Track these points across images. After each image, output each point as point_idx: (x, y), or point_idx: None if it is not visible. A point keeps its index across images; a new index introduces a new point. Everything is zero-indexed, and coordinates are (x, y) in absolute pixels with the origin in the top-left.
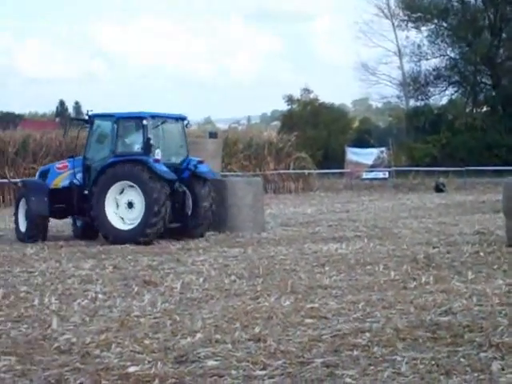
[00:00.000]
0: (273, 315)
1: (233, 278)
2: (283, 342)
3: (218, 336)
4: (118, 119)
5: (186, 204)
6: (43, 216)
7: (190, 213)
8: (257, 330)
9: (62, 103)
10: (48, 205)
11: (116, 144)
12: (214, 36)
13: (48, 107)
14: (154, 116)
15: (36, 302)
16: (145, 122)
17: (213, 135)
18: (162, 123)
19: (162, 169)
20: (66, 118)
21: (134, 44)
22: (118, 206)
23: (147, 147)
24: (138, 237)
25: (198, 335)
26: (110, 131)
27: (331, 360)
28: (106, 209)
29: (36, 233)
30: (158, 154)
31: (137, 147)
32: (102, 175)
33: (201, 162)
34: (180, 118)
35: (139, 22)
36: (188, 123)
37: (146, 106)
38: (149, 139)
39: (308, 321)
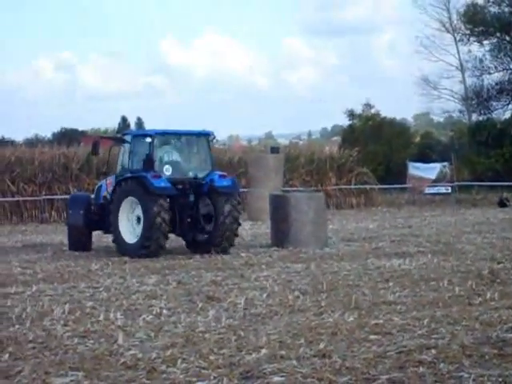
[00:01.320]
0: (337, 331)
1: (296, 293)
2: (348, 358)
3: (282, 352)
4: (133, 137)
5: (200, 219)
6: (79, 227)
7: (208, 227)
8: (321, 345)
9: (124, 119)
10: (83, 217)
11: (131, 161)
12: (276, 50)
13: (110, 123)
14: (164, 133)
15: (101, 317)
16: (148, 139)
17: (275, 150)
18: (178, 140)
19: (159, 184)
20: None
21: (197, 58)
22: (129, 220)
23: (148, 163)
24: (139, 250)
25: (263, 351)
26: (129, 149)
27: (397, 376)
28: (120, 223)
29: (76, 244)
30: (167, 169)
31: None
32: (115, 191)
33: (223, 176)
34: (202, 134)
35: (202, 36)
36: (214, 138)
37: (206, 121)
38: (150, 156)
39: (373, 337)
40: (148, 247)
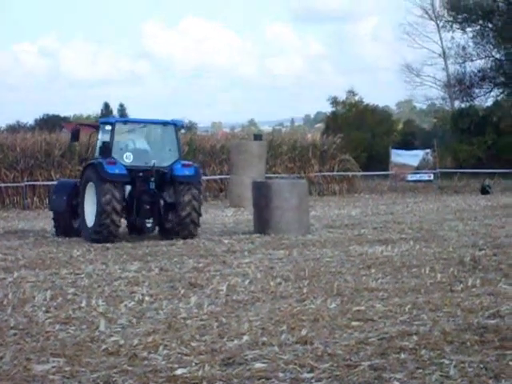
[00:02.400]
0: (319, 318)
1: (278, 280)
2: (330, 344)
3: (264, 338)
4: (99, 125)
5: (161, 207)
6: (61, 213)
7: (170, 216)
8: (303, 332)
9: (106, 105)
10: (65, 203)
11: (97, 148)
12: (259, 37)
13: (92, 109)
14: (126, 121)
15: (83, 303)
16: (108, 127)
17: (258, 137)
18: (142, 128)
19: (112, 171)
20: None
21: (180, 45)
22: (93, 205)
23: (103, 151)
24: (92, 235)
25: (245, 337)
26: (99, 135)
27: (378, 363)
28: (84, 208)
29: (60, 229)
30: (127, 157)
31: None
32: (82, 177)
33: (187, 166)
34: (168, 123)
35: (186, 23)
36: (182, 127)
37: (189, 108)
38: (108, 143)
39: (355, 323)
40: (99, 233)
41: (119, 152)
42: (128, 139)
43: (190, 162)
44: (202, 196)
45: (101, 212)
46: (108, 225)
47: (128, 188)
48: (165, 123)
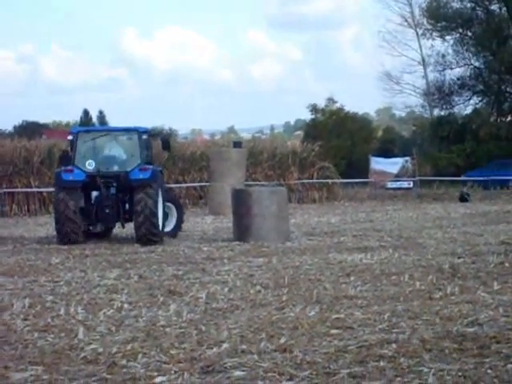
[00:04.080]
0: (298, 325)
1: (258, 288)
2: (309, 352)
3: (243, 346)
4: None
5: (120, 211)
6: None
7: (125, 218)
8: (283, 340)
9: (86, 112)
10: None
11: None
12: (239, 43)
13: (72, 116)
14: (88, 131)
15: (62, 311)
16: (69, 137)
17: (237, 145)
18: (104, 136)
19: (67, 178)
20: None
21: (159, 51)
22: None
23: (62, 159)
24: (57, 240)
25: (224, 345)
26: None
27: (357, 371)
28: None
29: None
30: (89, 164)
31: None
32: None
33: (144, 169)
34: (130, 130)
35: (165, 28)
36: (145, 133)
37: (168, 115)
38: (67, 151)
39: (334, 331)
40: (58, 237)
41: (82, 160)
42: (91, 147)
43: (148, 166)
44: (173, 201)
45: (56, 219)
46: (64, 231)
47: (94, 194)
48: (127, 130)
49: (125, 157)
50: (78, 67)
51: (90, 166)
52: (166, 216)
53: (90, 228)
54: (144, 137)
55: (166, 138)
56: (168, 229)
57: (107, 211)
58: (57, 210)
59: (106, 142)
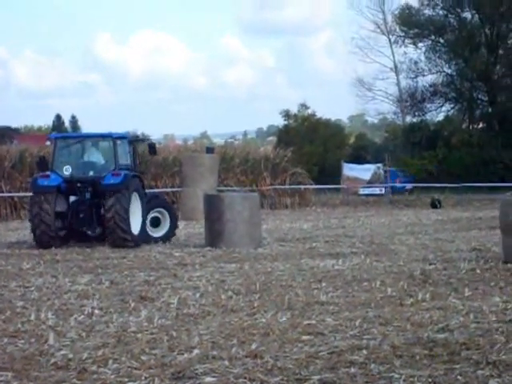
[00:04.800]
0: (270, 331)
1: (229, 293)
2: (280, 358)
3: (214, 352)
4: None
5: (93, 215)
6: None
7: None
8: (254, 346)
9: (58, 117)
10: None
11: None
12: (213, 49)
13: (44, 121)
14: (65, 137)
15: (32, 317)
16: (47, 142)
17: (210, 150)
18: (81, 142)
19: (42, 183)
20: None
21: (133, 56)
22: None
23: (40, 164)
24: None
25: (195, 351)
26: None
27: (328, 377)
28: None
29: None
30: (66, 170)
31: None
32: None
33: (115, 175)
34: (105, 136)
35: (138, 35)
36: (120, 140)
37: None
38: (44, 157)
39: (305, 337)
40: (36, 241)
41: (60, 165)
42: (68, 153)
43: (121, 171)
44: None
45: (31, 222)
46: (38, 233)
47: (72, 199)
48: (102, 136)
49: (100, 162)
50: (51, 72)
51: (67, 171)
52: (157, 221)
53: (89, 232)
54: (119, 142)
55: (153, 144)
56: (161, 233)
57: (81, 216)
58: (32, 213)
59: (82, 148)
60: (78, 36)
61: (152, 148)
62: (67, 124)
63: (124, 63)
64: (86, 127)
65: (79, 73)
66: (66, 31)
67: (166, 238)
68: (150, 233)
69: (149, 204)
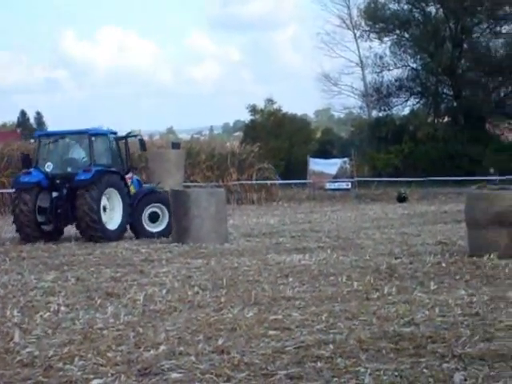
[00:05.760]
0: (236, 327)
1: (196, 289)
2: (247, 353)
3: (181, 348)
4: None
5: (68, 210)
6: None
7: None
8: (220, 341)
9: (23, 113)
10: None
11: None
12: (177, 45)
13: (8, 117)
14: (47, 134)
15: None
16: (31, 140)
17: (176, 146)
18: (59, 139)
19: (23, 180)
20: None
21: (97, 53)
22: None
23: (23, 161)
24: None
25: (162, 347)
26: None
27: (295, 372)
28: None
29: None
30: (48, 166)
31: None
32: None
33: (87, 171)
34: (83, 132)
35: (104, 30)
36: (95, 136)
37: (107, 116)
38: (27, 154)
39: (271, 332)
40: (21, 236)
41: (43, 162)
42: (50, 150)
43: (92, 168)
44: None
45: (14, 219)
46: (19, 227)
47: (54, 195)
48: (79, 133)
49: (79, 159)
50: (16, 68)
51: (49, 168)
52: (156, 216)
53: (44, 227)
54: (95, 139)
55: (142, 140)
56: (159, 229)
57: (59, 211)
58: (14, 209)
59: (63, 145)
60: (43, 32)
61: (142, 144)
62: (32, 120)
63: (90, 59)
64: (52, 124)
65: (45, 69)
66: (32, 27)
67: (165, 233)
68: (147, 228)
69: (145, 199)
